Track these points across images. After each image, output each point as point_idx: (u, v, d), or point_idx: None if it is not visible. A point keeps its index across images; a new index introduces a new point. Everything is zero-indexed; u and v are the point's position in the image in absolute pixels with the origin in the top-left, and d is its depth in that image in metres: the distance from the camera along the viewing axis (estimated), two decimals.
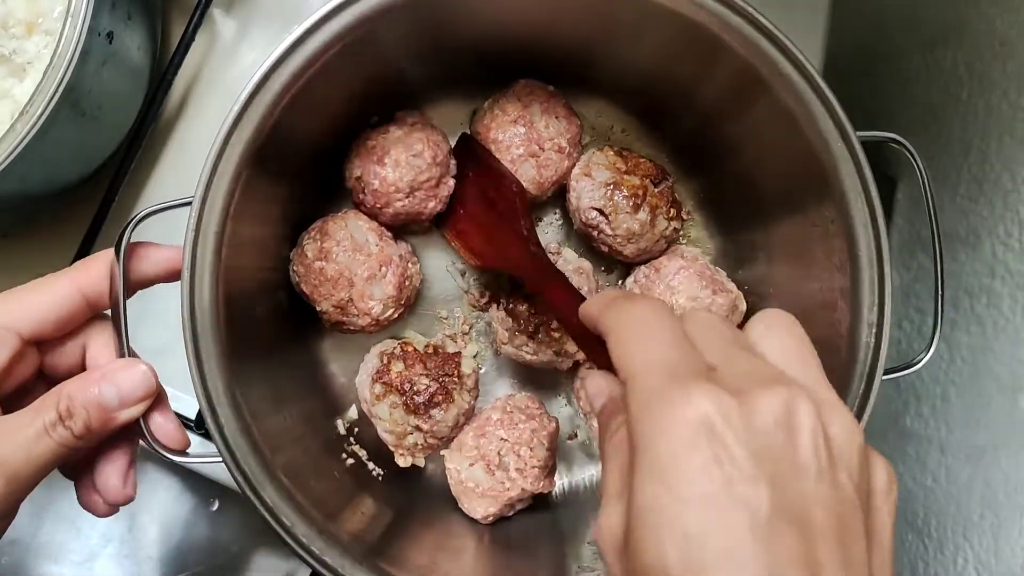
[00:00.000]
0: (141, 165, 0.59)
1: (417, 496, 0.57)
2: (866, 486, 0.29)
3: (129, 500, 0.42)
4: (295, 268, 0.52)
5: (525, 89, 0.55)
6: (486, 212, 0.53)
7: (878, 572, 0.28)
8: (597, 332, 0.34)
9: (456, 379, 0.53)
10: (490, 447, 0.53)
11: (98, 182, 0.57)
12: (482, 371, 0.59)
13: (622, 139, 0.59)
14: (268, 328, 0.51)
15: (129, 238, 0.40)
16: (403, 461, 0.54)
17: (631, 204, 0.53)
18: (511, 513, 0.55)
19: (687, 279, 0.54)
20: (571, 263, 0.56)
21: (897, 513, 0.30)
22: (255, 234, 0.48)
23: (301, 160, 0.50)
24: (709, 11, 0.44)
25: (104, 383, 0.39)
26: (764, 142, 0.50)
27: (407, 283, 0.53)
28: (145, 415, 0.40)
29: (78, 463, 0.42)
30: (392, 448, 0.55)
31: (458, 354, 0.54)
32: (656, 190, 0.55)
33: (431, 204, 0.53)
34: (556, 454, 0.56)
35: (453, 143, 0.56)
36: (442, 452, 0.55)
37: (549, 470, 0.55)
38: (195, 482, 0.66)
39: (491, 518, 0.54)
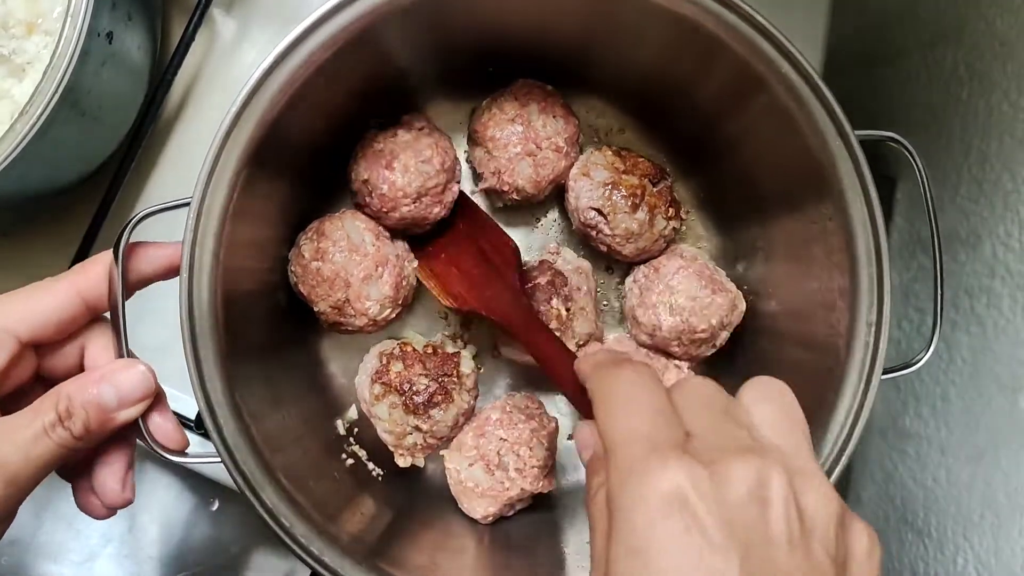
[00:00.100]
0: (141, 165, 0.59)
1: (417, 496, 0.57)
2: (843, 554, 0.29)
3: (127, 503, 0.41)
4: (293, 269, 0.52)
5: (523, 88, 0.55)
6: (476, 262, 0.55)
7: None
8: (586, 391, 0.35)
9: (455, 379, 0.53)
10: (489, 447, 0.53)
11: (98, 182, 0.57)
12: (481, 371, 0.59)
13: (621, 139, 0.59)
14: (267, 329, 0.52)
15: (127, 239, 0.40)
16: (403, 461, 0.55)
17: (629, 204, 0.53)
18: (511, 513, 0.55)
19: (686, 278, 0.54)
20: (570, 263, 0.56)
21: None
22: (254, 235, 0.48)
23: (300, 160, 0.50)
24: (707, 10, 0.44)
25: (103, 383, 0.39)
26: (763, 141, 0.50)
27: (404, 283, 0.53)
28: (144, 415, 0.40)
29: (76, 465, 0.42)
30: (392, 448, 0.55)
31: (457, 354, 0.54)
32: (655, 189, 0.55)
33: (436, 210, 0.53)
34: (556, 454, 0.56)
35: (454, 145, 0.56)
36: (442, 452, 0.55)
37: (549, 470, 0.55)
38: (195, 482, 0.66)
39: (491, 518, 0.54)
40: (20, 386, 0.40)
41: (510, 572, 0.52)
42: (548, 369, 0.47)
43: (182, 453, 0.42)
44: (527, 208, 0.59)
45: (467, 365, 0.54)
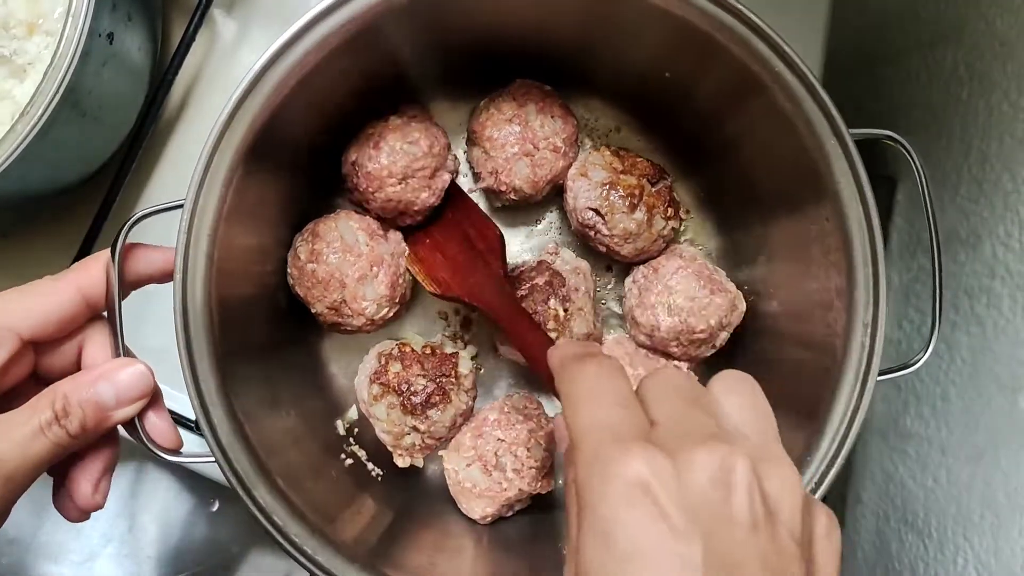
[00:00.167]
0: (141, 165, 0.59)
1: (416, 497, 0.57)
2: (808, 537, 0.29)
3: (97, 508, 0.41)
4: (290, 270, 0.53)
5: (521, 89, 0.55)
6: (461, 248, 0.55)
7: None
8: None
9: (453, 380, 0.53)
10: (487, 447, 0.53)
11: (99, 182, 0.58)
12: (481, 371, 0.59)
13: (619, 139, 0.59)
14: (266, 329, 0.52)
15: (125, 240, 0.41)
16: (402, 462, 0.55)
17: (627, 204, 0.53)
18: (509, 514, 0.55)
19: (685, 279, 0.54)
20: (569, 263, 0.56)
21: (841, 558, 0.31)
22: (251, 235, 0.48)
23: (297, 160, 0.50)
24: (704, 12, 0.44)
25: (101, 382, 0.39)
26: (761, 141, 0.50)
27: (400, 281, 0.53)
28: (140, 414, 0.41)
29: (62, 463, 0.42)
30: (390, 449, 0.55)
31: (455, 355, 0.55)
32: (653, 189, 0.55)
33: (424, 195, 0.53)
34: (554, 455, 0.56)
35: (453, 144, 0.56)
36: (440, 452, 0.55)
37: (547, 471, 0.55)
38: (195, 482, 0.66)
39: (489, 518, 0.54)
40: (16, 384, 0.40)
41: (509, 573, 0.52)
42: (530, 359, 0.48)
43: (177, 452, 0.42)
44: (525, 208, 0.59)
45: (465, 366, 0.55)
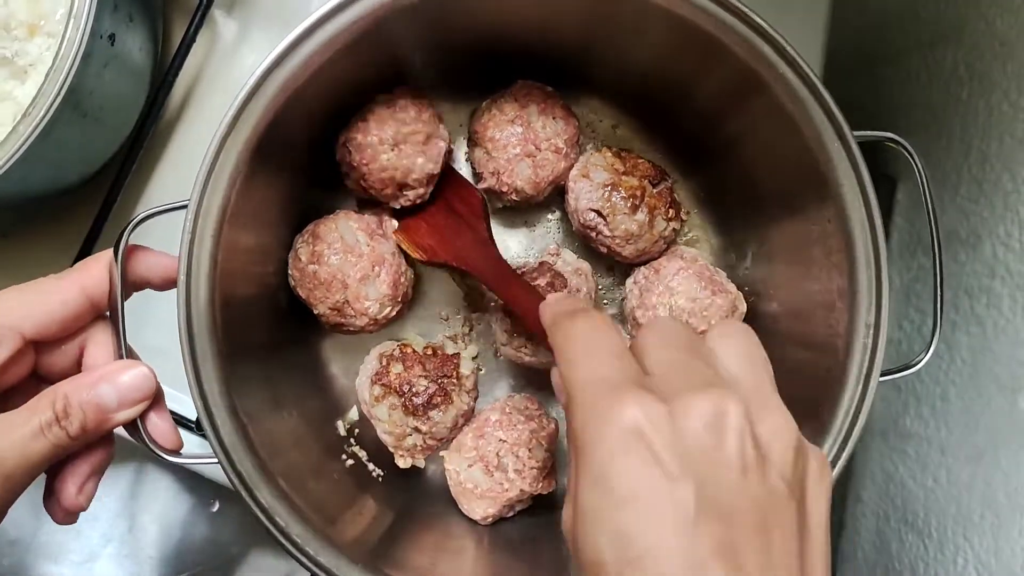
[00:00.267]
0: (142, 166, 0.59)
1: (417, 497, 0.57)
2: (800, 480, 0.30)
3: (80, 510, 0.41)
4: (291, 272, 0.52)
5: (523, 90, 0.55)
6: (444, 215, 0.55)
7: (812, 559, 0.29)
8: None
9: (455, 380, 0.53)
10: (489, 448, 0.53)
11: (100, 183, 0.57)
12: (483, 372, 0.59)
13: (621, 139, 0.60)
14: (268, 330, 0.52)
15: (127, 241, 0.41)
16: (403, 462, 0.55)
17: (629, 205, 0.53)
18: (511, 514, 0.55)
19: (686, 280, 0.54)
20: (570, 264, 0.56)
21: (831, 501, 0.31)
22: (254, 236, 0.48)
23: (300, 162, 0.50)
24: (706, 11, 0.44)
25: (103, 384, 0.39)
26: (762, 142, 0.50)
27: (402, 279, 0.53)
28: (142, 414, 0.40)
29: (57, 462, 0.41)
30: (392, 449, 0.55)
31: (457, 355, 0.55)
32: (655, 191, 0.55)
33: (420, 160, 0.52)
34: (555, 455, 0.56)
35: (455, 145, 0.56)
36: (441, 453, 0.55)
37: (548, 471, 0.55)
38: (195, 482, 0.66)
39: (490, 519, 0.54)
40: (16, 383, 0.40)
41: (509, 573, 0.52)
42: (523, 317, 0.49)
43: (177, 453, 0.42)
44: (527, 209, 0.59)
45: (467, 366, 0.55)
